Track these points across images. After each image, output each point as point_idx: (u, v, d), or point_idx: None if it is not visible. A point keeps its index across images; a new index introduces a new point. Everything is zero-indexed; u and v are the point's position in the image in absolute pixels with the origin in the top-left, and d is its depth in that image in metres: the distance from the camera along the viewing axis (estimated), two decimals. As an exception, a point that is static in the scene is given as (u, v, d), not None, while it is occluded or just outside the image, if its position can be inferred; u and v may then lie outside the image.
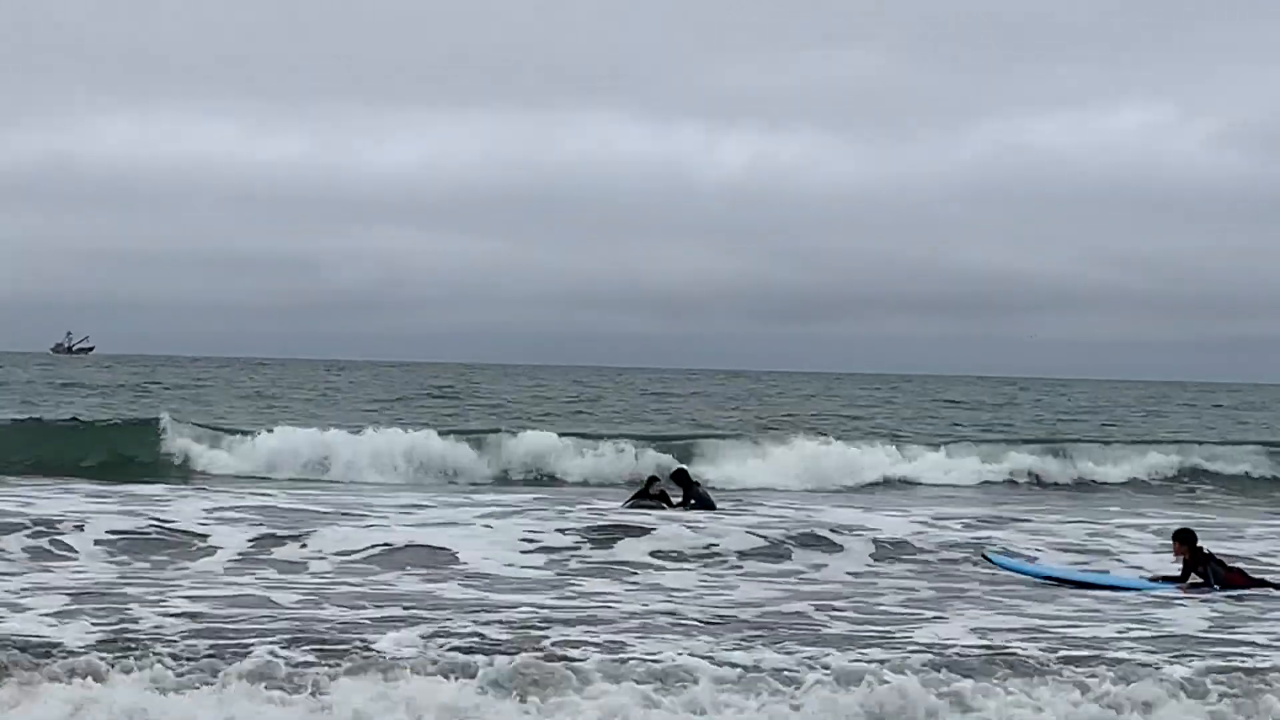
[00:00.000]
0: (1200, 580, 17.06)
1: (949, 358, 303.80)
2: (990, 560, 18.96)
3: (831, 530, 21.65)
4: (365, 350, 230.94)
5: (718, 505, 24.54)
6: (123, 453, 33.67)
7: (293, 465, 33.37)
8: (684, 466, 26.64)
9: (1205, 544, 17.91)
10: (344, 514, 22.61)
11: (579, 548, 20.22)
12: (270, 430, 35.70)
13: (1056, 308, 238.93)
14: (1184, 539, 17.58)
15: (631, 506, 23.98)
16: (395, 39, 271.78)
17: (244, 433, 35.62)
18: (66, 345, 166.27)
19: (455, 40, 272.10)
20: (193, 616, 14.07)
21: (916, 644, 13.59)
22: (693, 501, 24.18)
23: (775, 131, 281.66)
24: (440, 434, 36.16)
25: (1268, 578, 17.83)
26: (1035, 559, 19.90)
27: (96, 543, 19.09)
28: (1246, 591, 16.97)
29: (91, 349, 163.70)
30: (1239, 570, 17.47)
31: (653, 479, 25.45)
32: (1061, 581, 17.94)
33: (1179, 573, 17.44)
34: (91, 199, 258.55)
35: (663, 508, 23.71)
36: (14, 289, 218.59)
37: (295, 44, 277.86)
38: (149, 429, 35.38)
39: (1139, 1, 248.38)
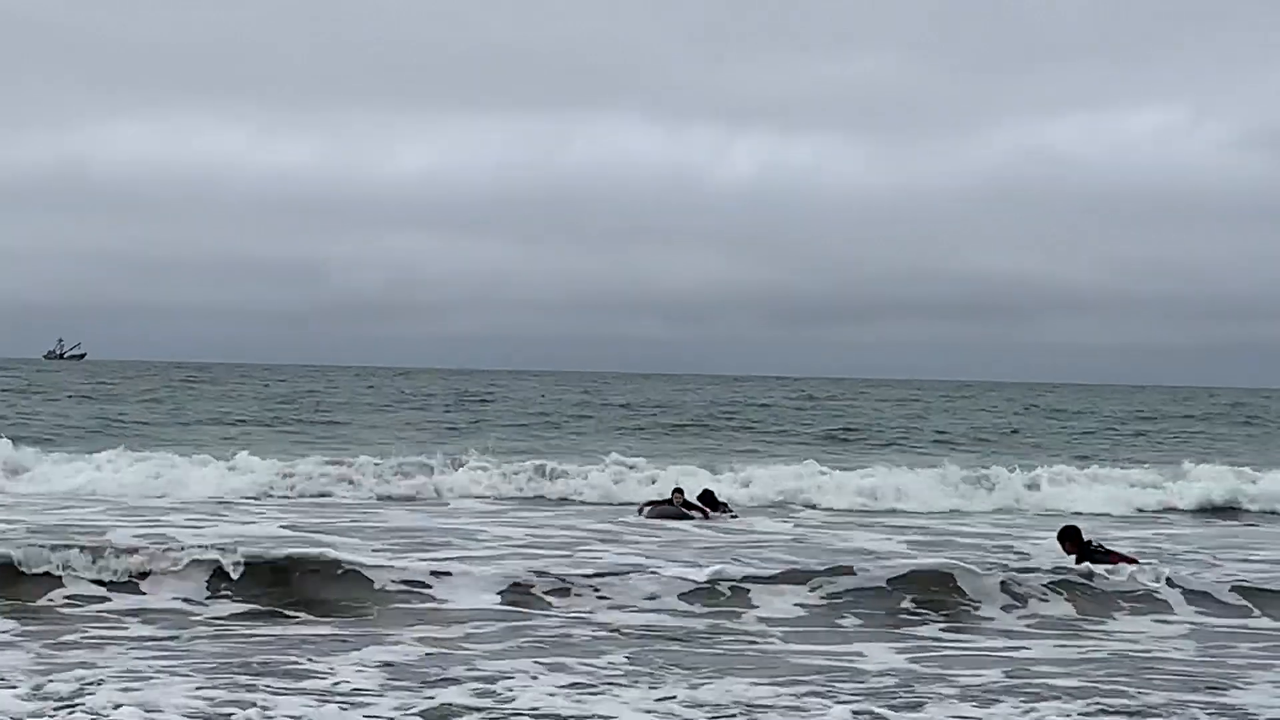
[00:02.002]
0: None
1: (963, 363, 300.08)
2: None
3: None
4: (375, 356, 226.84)
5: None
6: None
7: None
8: (710, 488, 27.45)
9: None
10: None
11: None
12: None
13: (1072, 312, 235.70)
14: (1069, 536, 18.45)
15: (655, 516, 25.08)
16: (406, 43, 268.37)
17: None
18: (59, 352, 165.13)
19: (466, 44, 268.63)
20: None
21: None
22: (718, 513, 25.84)
23: (787, 135, 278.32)
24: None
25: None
26: None
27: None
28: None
29: (84, 355, 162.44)
30: (1125, 557, 18.05)
31: (677, 490, 26.17)
32: None
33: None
34: (101, 204, 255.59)
35: (691, 517, 24.98)
36: (23, 294, 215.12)
37: (306, 48, 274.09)
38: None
39: (1154, 4, 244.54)
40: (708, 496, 26.28)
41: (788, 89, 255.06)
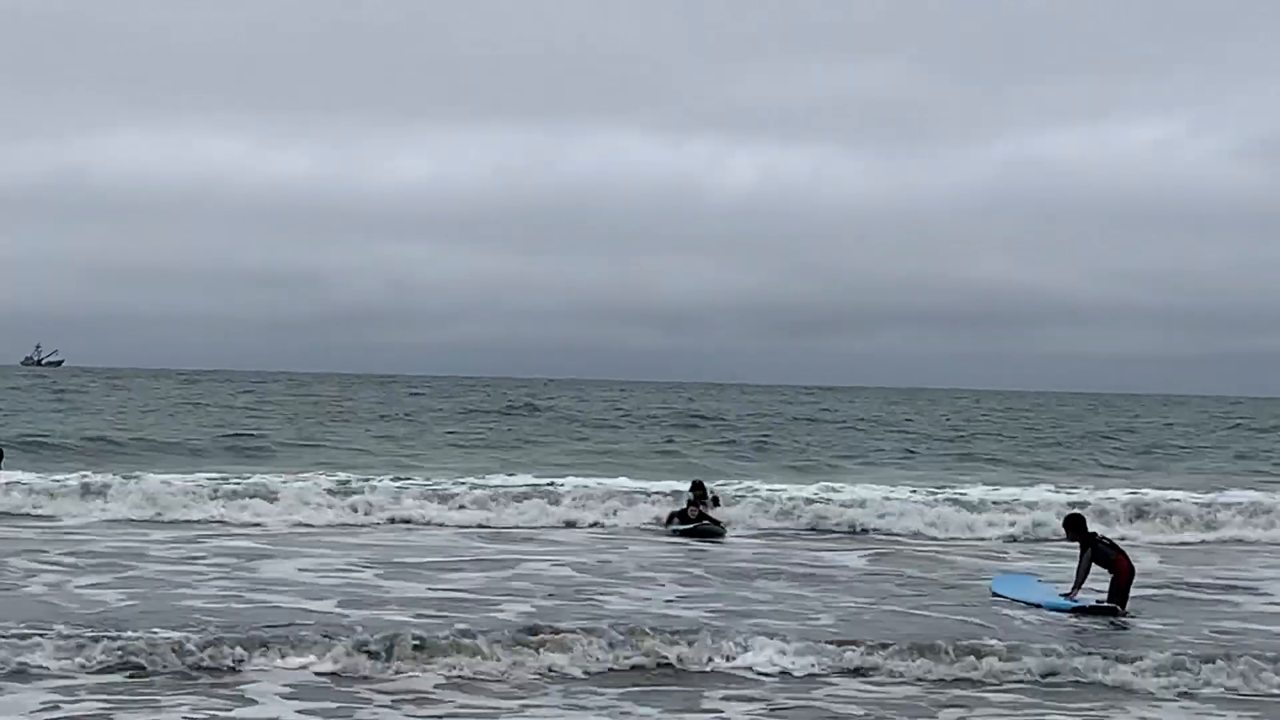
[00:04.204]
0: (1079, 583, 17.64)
1: (960, 372, 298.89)
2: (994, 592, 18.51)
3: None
4: (371, 364, 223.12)
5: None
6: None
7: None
8: (699, 479, 28.26)
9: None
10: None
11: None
12: None
13: (1068, 322, 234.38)
14: (1072, 525, 18.34)
15: (679, 530, 24.85)
16: (403, 53, 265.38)
17: None
18: (36, 359, 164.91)
19: (464, 54, 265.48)
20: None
21: None
22: (717, 503, 26.62)
23: (786, 145, 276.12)
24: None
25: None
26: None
27: None
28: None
29: (61, 362, 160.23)
30: (1124, 553, 18.06)
31: (691, 503, 25.73)
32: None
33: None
34: (100, 213, 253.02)
35: (714, 530, 24.86)
36: (17, 301, 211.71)
37: (304, 58, 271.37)
38: None
39: (1152, 16, 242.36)
40: (699, 486, 26.73)
41: (787, 99, 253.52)
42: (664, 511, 26.46)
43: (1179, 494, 30.79)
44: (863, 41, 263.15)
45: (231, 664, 12.90)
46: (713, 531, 24.83)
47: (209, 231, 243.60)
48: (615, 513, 26.70)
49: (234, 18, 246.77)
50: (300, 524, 24.91)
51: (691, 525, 24.94)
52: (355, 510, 26.10)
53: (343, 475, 30.38)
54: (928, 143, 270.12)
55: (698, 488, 26.70)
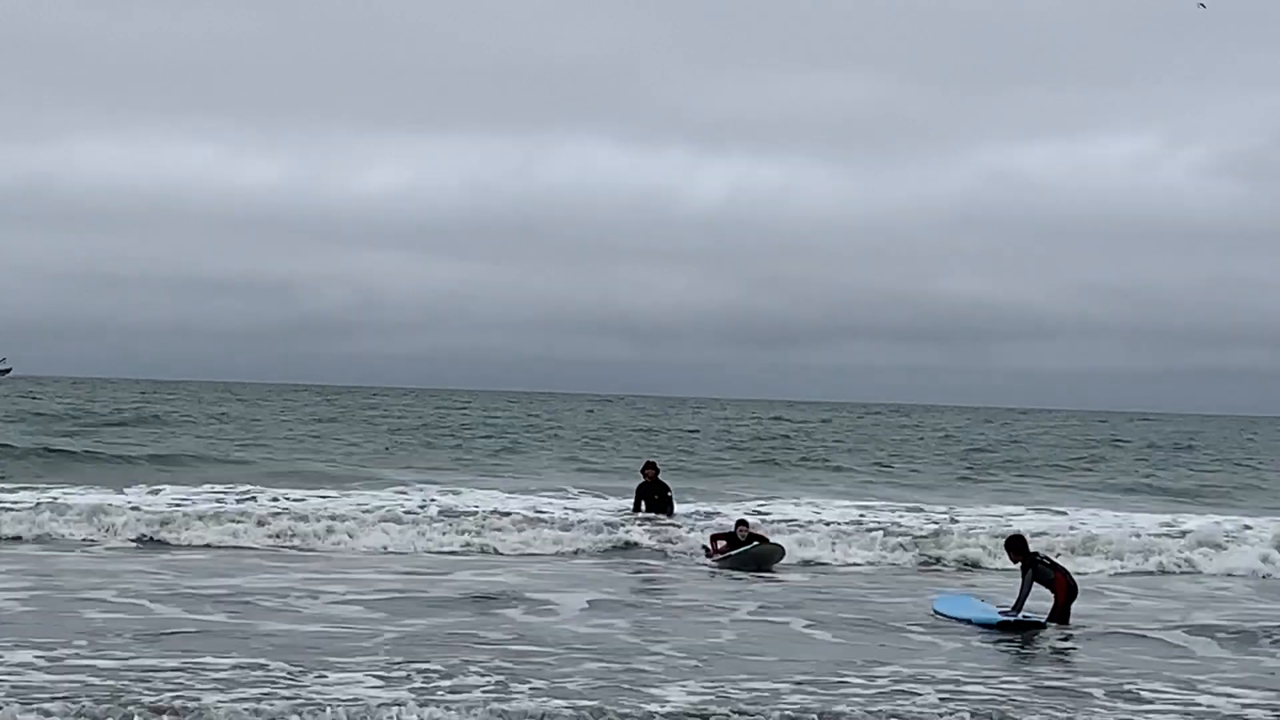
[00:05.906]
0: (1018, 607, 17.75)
1: (930, 387, 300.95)
2: (935, 611, 18.66)
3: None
4: (341, 375, 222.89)
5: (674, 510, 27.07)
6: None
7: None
8: (652, 459, 30.54)
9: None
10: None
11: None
12: None
13: (1040, 337, 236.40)
14: (1014, 546, 18.48)
15: (725, 560, 22.83)
16: (376, 62, 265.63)
17: None
18: None
19: (436, 64, 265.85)
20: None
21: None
22: (656, 498, 27.02)
23: (759, 157, 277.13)
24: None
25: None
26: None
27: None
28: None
29: (8, 370, 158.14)
30: (1065, 572, 18.43)
31: (741, 523, 23.94)
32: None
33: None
34: (68, 221, 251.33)
35: (769, 553, 23.04)
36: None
37: (275, 67, 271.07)
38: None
39: (1126, 30, 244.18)
40: (651, 468, 27.64)
41: (759, 111, 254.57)
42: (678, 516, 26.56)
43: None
44: (836, 54, 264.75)
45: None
46: (767, 556, 22.91)
47: (178, 240, 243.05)
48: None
49: (204, 27, 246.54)
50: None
51: (742, 551, 22.84)
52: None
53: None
54: (901, 156, 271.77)
55: (650, 468, 27.45)
